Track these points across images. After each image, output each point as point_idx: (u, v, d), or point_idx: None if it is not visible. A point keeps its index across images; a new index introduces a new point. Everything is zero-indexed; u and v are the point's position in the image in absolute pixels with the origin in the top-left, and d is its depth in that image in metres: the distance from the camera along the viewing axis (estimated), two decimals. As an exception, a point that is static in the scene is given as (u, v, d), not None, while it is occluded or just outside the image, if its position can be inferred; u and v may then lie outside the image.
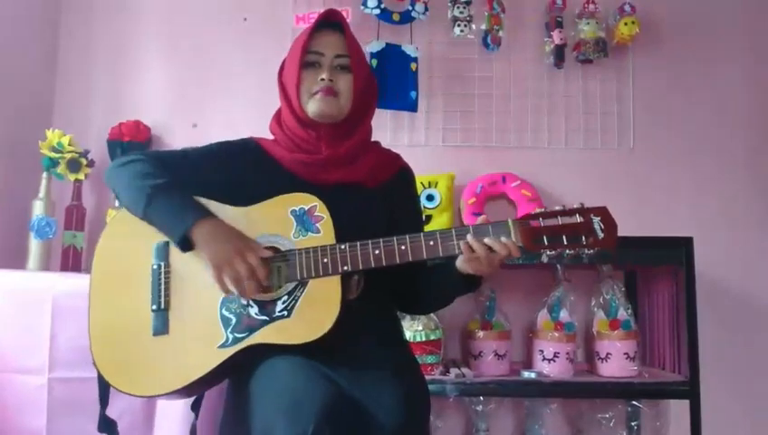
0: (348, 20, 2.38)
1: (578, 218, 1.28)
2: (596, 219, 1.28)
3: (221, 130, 2.46)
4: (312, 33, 1.43)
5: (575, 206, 1.30)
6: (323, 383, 1.19)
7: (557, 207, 1.30)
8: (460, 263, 1.32)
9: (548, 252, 1.30)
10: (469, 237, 1.27)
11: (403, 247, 1.29)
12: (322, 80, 1.41)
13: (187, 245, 1.30)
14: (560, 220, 1.28)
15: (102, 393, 1.45)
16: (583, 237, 1.27)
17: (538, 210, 1.29)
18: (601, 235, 1.27)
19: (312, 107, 1.42)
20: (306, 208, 1.34)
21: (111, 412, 1.49)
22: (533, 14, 2.55)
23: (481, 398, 2.24)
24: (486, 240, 1.26)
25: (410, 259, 1.29)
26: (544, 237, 1.27)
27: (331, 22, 1.46)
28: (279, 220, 1.34)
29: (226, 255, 1.27)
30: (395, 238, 1.29)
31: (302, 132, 1.44)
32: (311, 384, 1.19)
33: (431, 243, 1.28)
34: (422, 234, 1.30)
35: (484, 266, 1.28)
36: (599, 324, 2.24)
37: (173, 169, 1.41)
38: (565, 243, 1.27)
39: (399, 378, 1.31)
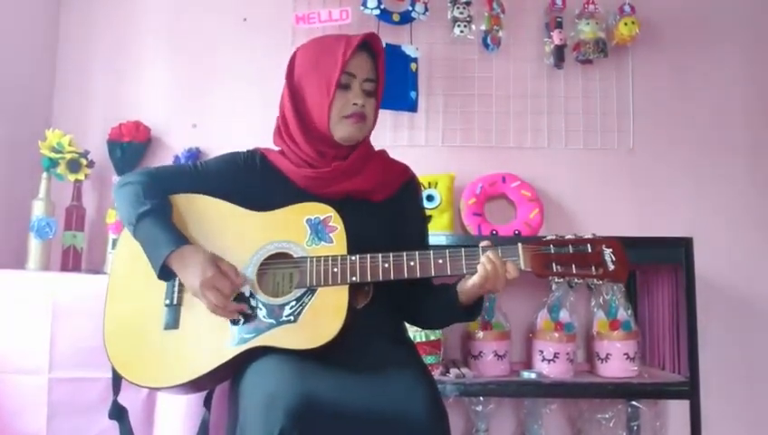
0: (348, 21, 2.43)
1: (589, 248, 1.29)
2: (607, 251, 1.29)
3: (221, 131, 2.51)
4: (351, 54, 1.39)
5: (587, 235, 1.31)
6: (297, 384, 1.19)
7: (569, 236, 1.31)
8: (462, 286, 1.34)
9: (556, 279, 1.30)
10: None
11: (412, 263, 1.31)
12: (355, 104, 1.41)
13: (166, 275, 1.34)
14: (571, 249, 1.29)
15: (115, 381, 1.48)
16: (593, 268, 1.28)
17: (550, 237, 1.31)
18: (612, 266, 1.28)
19: (342, 132, 1.41)
20: (321, 218, 1.36)
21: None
22: (533, 14, 2.55)
23: (481, 398, 2.24)
24: (490, 253, 1.29)
25: (418, 275, 1.31)
26: (554, 264, 1.29)
27: (365, 44, 1.43)
28: (293, 228, 1.37)
29: (195, 285, 1.30)
30: (404, 254, 1.32)
31: (312, 151, 1.44)
32: (283, 385, 1.19)
33: (440, 261, 1.31)
34: (432, 252, 1.32)
35: (490, 284, 1.29)
36: (599, 325, 2.24)
37: (172, 186, 1.43)
38: (574, 271, 1.28)
39: (427, 379, 1.34)
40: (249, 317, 1.32)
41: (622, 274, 1.29)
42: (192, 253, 1.32)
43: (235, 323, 1.33)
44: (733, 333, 2.42)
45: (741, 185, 2.50)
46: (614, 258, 1.29)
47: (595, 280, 1.29)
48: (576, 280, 1.30)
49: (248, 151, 1.52)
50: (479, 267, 1.29)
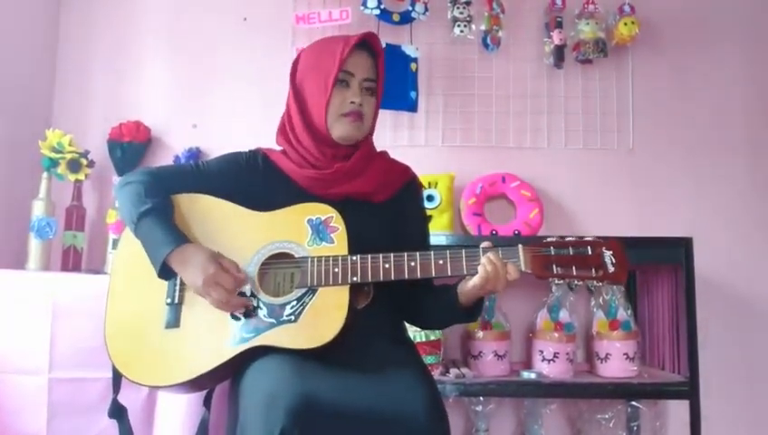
0: (348, 21, 2.43)
1: (589, 251, 1.29)
2: (607, 253, 1.29)
3: (221, 131, 2.51)
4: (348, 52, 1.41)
5: (588, 238, 1.31)
6: (297, 384, 1.19)
7: (569, 238, 1.31)
8: (463, 287, 1.34)
9: (556, 280, 1.30)
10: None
11: (413, 264, 1.31)
12: (353, 103, 1.41)
13: (166, 274, 1.34)
14: (571, 251, 1.29)
15: (115, 380, 1.48)
16: (593, 270, 1.28)
17: (550, 239, 1.31)
18: (612, 269, 1.28)
19: (339, 130, 1.42)
20: (323, 219, 1.36)
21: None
22: (533, 14, 2.55)
23: (481, 398, 2.24)
24: (491, 254, 1.29)
25: (419, 276, 1.31)
26: (554, 266, 1.28)
27: (363, 43, 1.44)
28: (294, 228, 1.37)
29: (198, 284, 1.30)
30: (405, 255, 1.32)
31: (317, 151, 1.44)
32: (284, 385, 1.19)
33: (441, 262, 1.31)
34: (432, 253, 1.32)
35: (491, 285, 1.29)
36: (598, 325, 2.24)
37: (173, 185, 1.43)
38: (574, 273, 1.28)
39: (427, 379, 1.34)
40: (251, 314, 1.32)
41: (622, 276, 1.29)
42: (193, 251, 1.32)
43: (236, 318, 1.33)
44: (733, 333, 2.42)
45: (741, 185, 2.50)
46: (614, 260, 1.29)
47: (595, 282, 1.29)
48: (576, 282, 1.30)
49: (250, 151, 1.52)
50: (479, 268, 1.29)
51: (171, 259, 1.32)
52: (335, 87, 1.41)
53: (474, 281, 1.30)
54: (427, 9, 2.46)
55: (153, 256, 1.33)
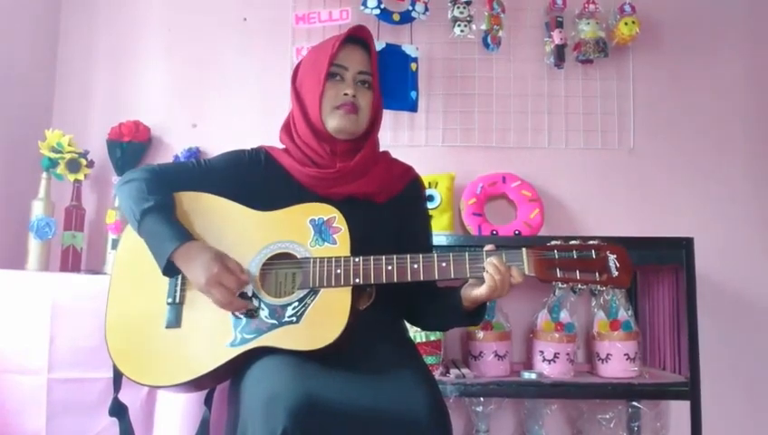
0: (347, 21, 2.43)
1: (593, 254, 1.28)
2: (611, 257, 1.28)
3: (221, 130, 2.51)
4: (338, 46, 1.43)
5: (592, 241, 1.30)
6: (298, 384, 1.19)
7: (573, 241, 1.30)
8: (466, 292, 1.34)
9: (560, 284, 1.29)
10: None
11: (415, 266, 1.31)
12: (346, 94, 1.42)
13: (171, 271, 1.33)
14: (575, 254, 1.28)
15: (116, 378, 1.48)
16: (597, 274, 1.28)
17: (554, 242, 1.30)
18: (616, 273, 1.28)
19: (334, 122, 1.43)
20: (325, 219, 1.36)
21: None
22: (533, 14, 2.55)
23: (481, 399, 2.24)
24: (494, 259, 1.28)
25: (422, 278, 1.31)
26: (558, 269, 1.28)
27: (356, 38, 1.46)
28: (297, 228, 1.36)
29: (201, 282, 1.29)
30: (408, 257, 1.31)
31: (317, 146, 1.44)
32: (285, 385, 1.19)
33: (443, 264, 1.31)
34: (436, 255, 1.32)
35: (497, 293, 1.29)
36: (599, 325, 2.23)
37: (175, 182, 1.42)
38: (578, 277, 1.28)
39: (429, 379, 1.34)
40: (252, 315, 1.32)
41: (626, 280, 1.28)
42: (198, 249, 1.32)
43: (237, 317, 1.32)
44: (733, 333, 2.42)
45: (741, 185, 2.49)
46: (618, 264, 1.28)
47: (599, 286, 1.29)
48: (580, 286, 1.29)
49: (252, 149, 1.53)
50: (486, 277, 1.28)
51: (176, 256, 1.31)
52: (329, 81, 1.42)
53: (480, 291, 1.30)
54: (427, 9, 2.46)
55: (158, 252, 1.33)
